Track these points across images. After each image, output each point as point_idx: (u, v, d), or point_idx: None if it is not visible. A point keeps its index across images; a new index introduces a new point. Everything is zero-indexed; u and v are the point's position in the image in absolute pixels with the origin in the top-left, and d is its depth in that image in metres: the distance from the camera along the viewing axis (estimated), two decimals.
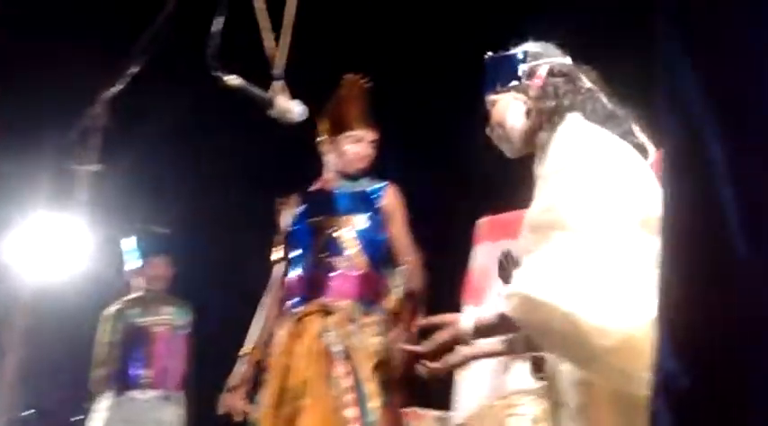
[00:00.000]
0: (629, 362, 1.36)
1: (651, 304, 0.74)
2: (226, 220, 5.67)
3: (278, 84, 2.02)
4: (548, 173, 1.64)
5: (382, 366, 2.75)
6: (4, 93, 4.45)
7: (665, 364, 0.69)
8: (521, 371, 4.41)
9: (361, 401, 2.68)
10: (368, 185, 3.00)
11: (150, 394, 4.13)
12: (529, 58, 1.82)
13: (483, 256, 6.34)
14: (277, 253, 3.05)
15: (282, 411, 2.69)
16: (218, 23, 1.95)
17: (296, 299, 2.90)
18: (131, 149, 4.72)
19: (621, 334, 1.39)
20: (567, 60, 1.83)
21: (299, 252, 2.97)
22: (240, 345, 3.05)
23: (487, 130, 1.88)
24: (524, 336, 1.70)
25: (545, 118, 1.74)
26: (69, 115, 3.76)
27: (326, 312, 2.81)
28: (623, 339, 1.38)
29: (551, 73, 1.78)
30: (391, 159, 3.18)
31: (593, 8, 3.56)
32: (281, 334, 2.84)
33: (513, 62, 1.83)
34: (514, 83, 1.81)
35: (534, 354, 1.79)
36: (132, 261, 4.35)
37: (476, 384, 6.27)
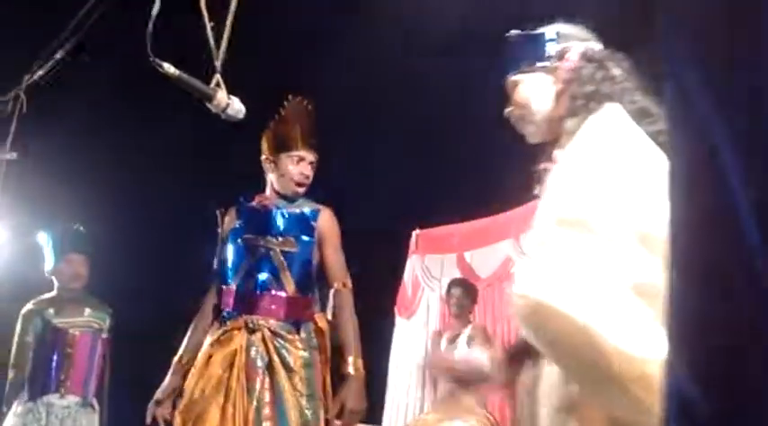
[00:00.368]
0: (649, 394, 1.21)
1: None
2: (149, 218, 5.51)
3: (217, 78, 1.93)
4: (578, 163, 1.53)
5: (306, 381, 2.85)
6: None
7: (682, 388, 0.63)
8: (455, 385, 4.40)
9: (280, 416, 2.77)
10: (305, 207, 3.06)
11: (68, 399, 3.95)
12: (560, 39, 1.72)
13: (414, 268, 6.30)
14: (215, 265, 3.14)
15: (192, 412, 2.81)
16: (155, 8, 1.84)
17: (227, 312, 2.98)
18: (50, 139, 4.52)
19: (647, 363, 1.24)
20: (599, 46, 1.73)
21: (233, 266, 3.04)
22: (157, 350, 3.17)
23: (507, 111, 1.78)
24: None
25: (579, 103, 1.64)
26: None
27: (252, 329, 2.89)
28: (648, 368, 1.23)
29: (585, 56, 1.68)
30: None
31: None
32: (206, 343, 2.93)
33: (542, 41, 1.73)
34: (543, 63, 1.71)
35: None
36: (48, 257, 4.13)
37: (407, 397, 6.24)
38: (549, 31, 1.73)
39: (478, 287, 5.12)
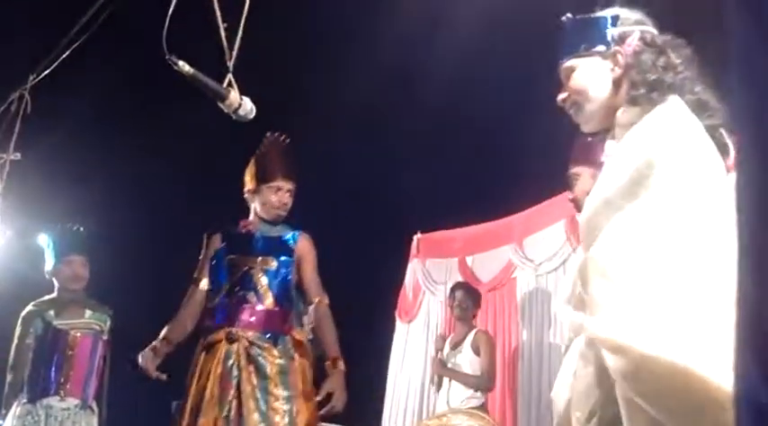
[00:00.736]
0: None
1: None
2: (149, 220, 5.49)
3: (230, 78, 1.93)
4: (637, 164, 1.48)
5: (283, 386, 3.10)
6: None
7: (757, 391, 0.61)
8: (455, 390, 4.41)
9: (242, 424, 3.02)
10: (284, 232, 3.39)
11: (68, 401, 3.93)
12: (619, 23, 1.65)
13: (415, 272, 6.28)
14: (200, 280, 3.38)
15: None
16: (170, 8, 1.84)
17: (209, 326, 3.26)
18: (51, 140, 4.51)
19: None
20: (656, 32, 1.66)
21: (217, 284, 3.33)
22: None
23: (560, 99, 1.71)
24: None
25: (641, 92, 1.57)
26: None
27: (232, 339, 3.15)
28: None
29: (645, 41, 1.61)
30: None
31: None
32: (198, 359, 3.20)
33: (600, 25, 1.65)
34: (601, 47, 1.64)
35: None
36: (48, 259, 4.10)
37: (406, 402, 6.22)
38: (607, 14, 1.67)
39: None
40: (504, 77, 4.72)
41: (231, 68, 1.95)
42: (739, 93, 0.66)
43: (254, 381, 3.07)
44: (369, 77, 4.73)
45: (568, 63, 1.70)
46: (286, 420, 3.02)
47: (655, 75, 1.57)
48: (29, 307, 4.04)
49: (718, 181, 1.47)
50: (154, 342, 3.21)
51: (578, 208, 2.93)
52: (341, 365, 3.11)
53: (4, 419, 3.87)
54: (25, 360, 3.92)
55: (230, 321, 3.19)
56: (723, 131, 1.57)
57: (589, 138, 1.75)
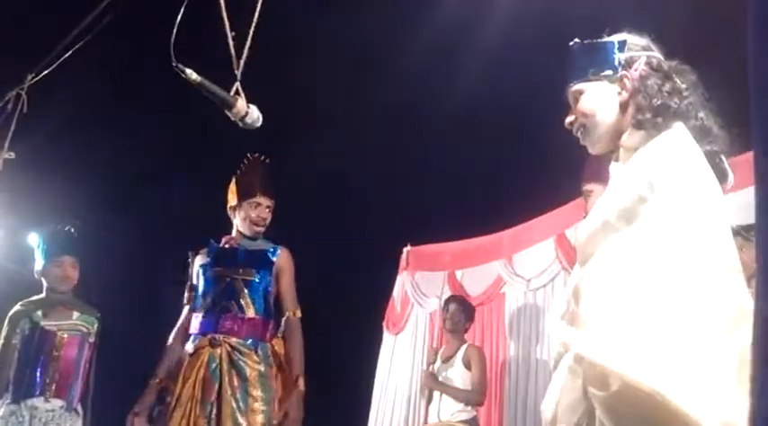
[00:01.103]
0: None
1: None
2: (140, 223, 5.47)
3: (237, 86, 1.93)
4: (637, 188, 1.50)
5: (262, 388, 3.30)
6: None
7: None
8: (445, 404, 4.42)
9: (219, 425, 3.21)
10: (265, 246, 3.61)
11: (53, 402, 3.90)
12: (627, 48, 1.68)
13: (404, 284, 6.29)
14: (187, 297, 3.61)
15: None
16: (179, 14, 1.85)
17: (195, 334, 3.46)
18: (44, 140, 4.49)
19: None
20: (662, 58, 1.70)
21: (202, 295, 3.55)
22: (142, 358, 3.51)
23: (568, 121, 1.74)
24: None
25: (647, 116, 1.60)
26: None
27: (214, 345, 3.36)
28: None
29: (651, 66, 1.65)
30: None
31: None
32: (184, 365, 3.39)
33: (608, 50, 1.69)
34: (609, 71, 1.67)
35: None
36: (38, 259, 4.07)
37: (392, 413, 6.21)
38: (615, 39, 1.71)
39: None
40: (494, 94, 4.76)
41: (239, 76, 1.96)
42: (756, 104, 0.67)
43: (236, 383, 3.28)
44: (366, 91, 4.76)
45: (576, 86, 1.73)
46: (265, 420, 3.22)
47: (660, 100, 1.61)
48: (16, 307, 4.01)
49: (716, 209, 1.50)
50: (140, 402, 3.37)
51: None
52: (301, 384, 3.30)
53: None
54: (11, 360, 3.89)
55: (214, 328, 3.41)
56: (723, 157, 1.60)
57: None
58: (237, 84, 1.99)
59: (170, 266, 4.16)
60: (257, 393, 3.28)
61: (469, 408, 4.50)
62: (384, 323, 5.96)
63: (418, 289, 5.83)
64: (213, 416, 3.22)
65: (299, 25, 4.46)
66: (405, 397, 5.62)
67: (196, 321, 3.49)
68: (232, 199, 3.63)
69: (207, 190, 3.95)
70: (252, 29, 1.98)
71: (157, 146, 5.23)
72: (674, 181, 1.51)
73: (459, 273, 5.59)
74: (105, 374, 4.17)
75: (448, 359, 4.62)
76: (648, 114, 1.61)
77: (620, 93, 1.68)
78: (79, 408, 3.98)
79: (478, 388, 4.51)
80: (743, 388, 1.29)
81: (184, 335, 3.51)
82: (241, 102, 2.01)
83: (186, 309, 3.59)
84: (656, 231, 1.47)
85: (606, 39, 1.72)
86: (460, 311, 4.69)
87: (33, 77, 3.56)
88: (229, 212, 3.64)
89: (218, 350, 3.34)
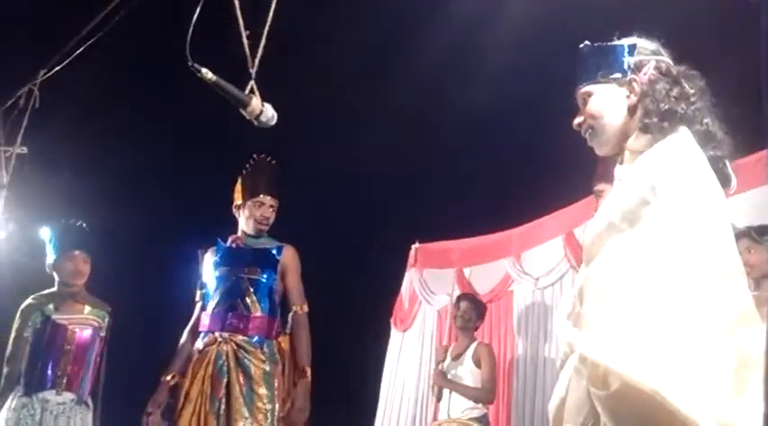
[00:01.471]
0: None
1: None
2: (150, 219, 5.49)
3: (252, 85, 1.95)
4: (641, 191, 1.53)
5: (266, 386, 3.37)
6: None
7: None
8: (455, 401, 4.42)
9: (230, 422, 3.29)
10: (270, 244, 3.68)
11: (64, 396, 3.92)
12: (636, 52, 1.70)
13: (412, 281, 6.30)
14: (197, 295, 3.71)
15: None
16: (194, 14, 1.86)
17: (204, 332, 3.54)
18: (57, 135, 4.52)
19: None
20: (671, 62, 1.71)
21: (210, 293, 3.63)
22: (151, 352, 3.64)
23: (576, 123, 1.76)
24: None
25: (653, 120, 1.63)
26: None
27: (221, 342, 3.45)
28: None
29: (660, 70, 1.67)
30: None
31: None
32: (193, 361, 3.47)
33: (617, 53, 1.71)
34: (618, 74, 1.69)
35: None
36: (50, 253, 4.10)
37: (399, 409, 6.22)
38: (624, 43, 1.72)
39: None
40: (504, 94, 4.77)
41: (254, 75, 1.98)
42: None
43: (242, 381, 3.36)
44: (378, 90, 4.77)
45: (585, 88, 1.75)
46: (269, 418, 3.30)
47: (668, 104, 1.63)
48: (28, 301, 4.04)
49: (718, 212, 1.52)
50: (152, 401, 3.45)
51: None
52: (307, 376, 3.40)
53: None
54: (22, 353, 3.92)
55: (221, 326, 3.49)
56: (726, 162, 1.62)
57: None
58: (252, 82, 2.00)
59: (179, 262, 4.19)
60: (262, 391, 3.35)
61: (480, 406, 4.51)
62: (392, 320, 5.97)
63: (426, 287, 5.84)
64: (222, 412, 3.30)
65: (308, 26, 4.48)
66: (412, 394, 5.64)
67: (205, 318, 3.57)
68: (237, 198, 3.71)
69: (218, 187, 3.98)
70: (266, 28, 1.99)
71: (170, 143, 5.26)
72: (677, 184, 1.53)
73: (467, 271, 5.60)
74: (115, 368, 4.20)
75: (458, 357, 4.63)
76: (655, 118, 1.63)
77: (628, 97, 1.69)
78: (90, 401, 4.02)
79: (488, 386, 4.51)
80: (741, 390, 1.31)
81: (195, 333, 3.59)
82: (256, 101, 2.03)
83: (198, 307, 3.66)
84: (657, 233, 1.49)
85: (616, 42, 1.74)
86: (472, 309, 4.69)
87: (46, 73, 3.60)
88: (234, 211, 3.72)
89: (225, 348, 3.43)
